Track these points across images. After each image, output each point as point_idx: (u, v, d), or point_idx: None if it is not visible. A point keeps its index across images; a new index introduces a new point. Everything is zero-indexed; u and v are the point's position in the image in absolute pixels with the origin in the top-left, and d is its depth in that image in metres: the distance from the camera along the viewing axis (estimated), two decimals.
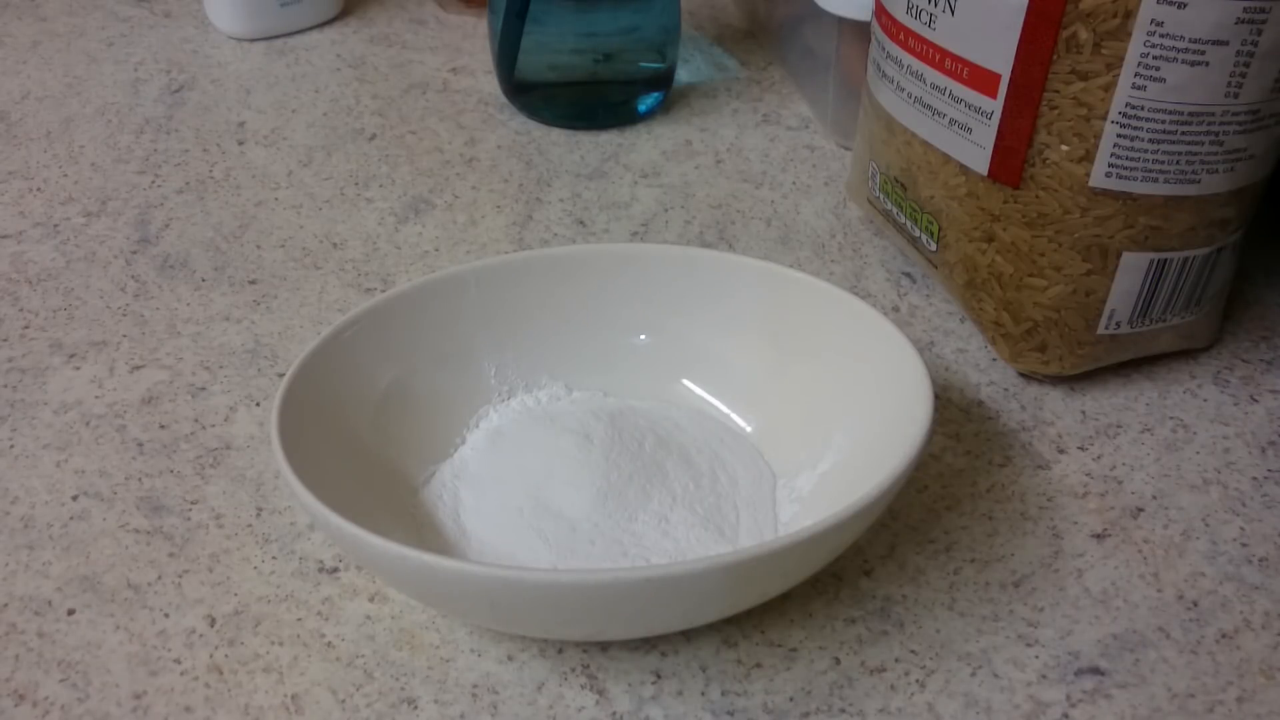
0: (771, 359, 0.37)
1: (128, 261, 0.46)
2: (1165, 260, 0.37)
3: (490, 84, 0.58)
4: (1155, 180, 0.35)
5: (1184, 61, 0.33)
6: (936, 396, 0.33)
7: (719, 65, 0.60)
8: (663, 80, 0.55)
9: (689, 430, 0.36)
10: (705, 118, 0.55)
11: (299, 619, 0.32)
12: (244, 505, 0.36)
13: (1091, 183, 0.36)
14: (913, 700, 0.30)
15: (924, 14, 0.38)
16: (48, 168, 0.51)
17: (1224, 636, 0.32)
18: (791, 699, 0.30)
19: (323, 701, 0.30)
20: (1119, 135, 0.34)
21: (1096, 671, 0.31)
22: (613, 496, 0.33)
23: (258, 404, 0.39)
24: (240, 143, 0.53)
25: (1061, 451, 0.38)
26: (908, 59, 0.39)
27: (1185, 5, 0.32)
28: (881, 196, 0.44)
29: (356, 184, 0.50)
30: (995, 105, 0.36)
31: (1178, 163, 0.35)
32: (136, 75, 0.58)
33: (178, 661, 0.31)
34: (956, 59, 0.37)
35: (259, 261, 0.46)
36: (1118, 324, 0.38)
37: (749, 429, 0.37)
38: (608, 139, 0.54)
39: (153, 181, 0.50)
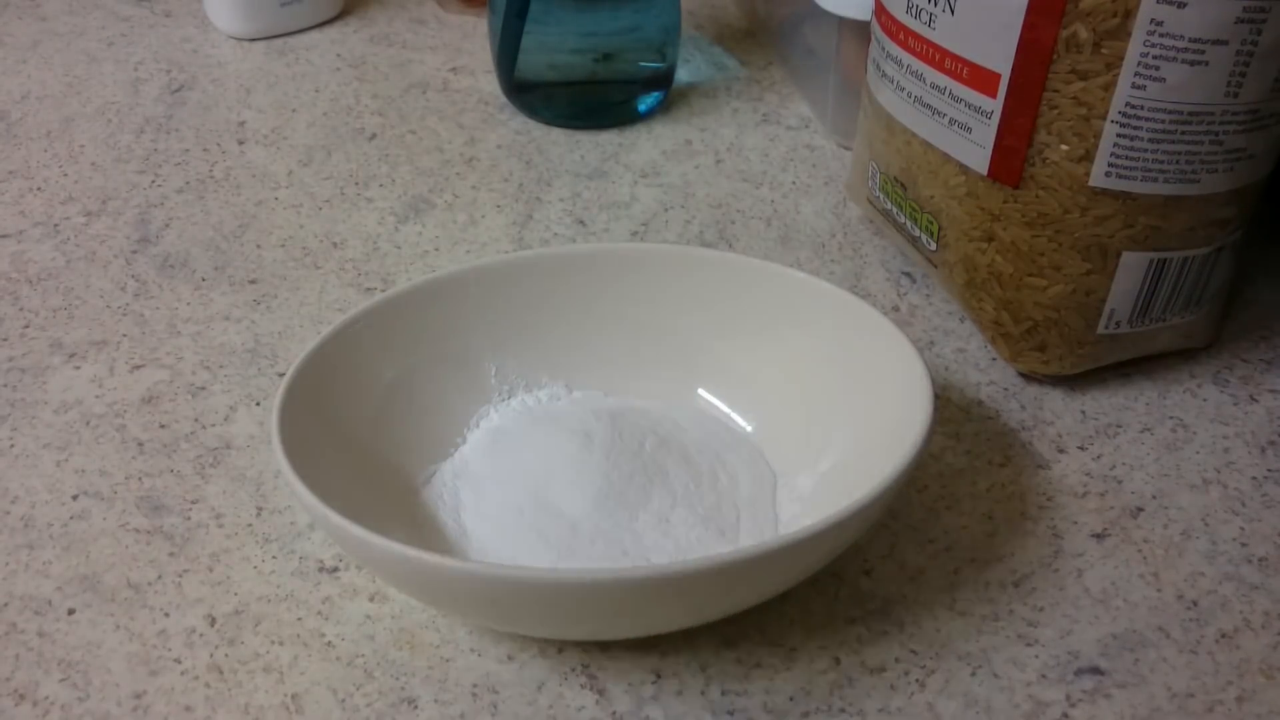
0: (772, 359, 0.37)
1: (128, 261, 0.46)
2: (1165, 260, 0.37)
3: (490, 84, 0.58)
4: (1155, 180, 0.35)
5: (1184, 61, 0.33)
6: (936, 396, 0.33)
7: (719, 65, 0.60)
8: (663, 80, 0.55)
9: (689, 430, 0.36)
10: (705, 117, 0.55)
11: (299, 619, 0.32)
12: (244, 505, 0.36)
13: (1091, 182, 0.36)
14: (913, 700, 0.30)
15: (924, 13, 0.38)
16: (48, 167, 0.51)
17: (1224, 636, 0.32)
18: (791, 699, 0.30)
19: (323, 701, 0.30)
20: (1119, 135, 0.34)
21: (1096, 671, 0.31)
22: (613, 496, 0.33)
23: (258, 404, 0.39)
24: (240, 142, 0.53)
25: (1061, 451, 0.38)
26: (908, 58, 0.39)
27: (1185, 5, 0.32)
28: (881, 196, 0.44)
29: (356, 184, 0.50)
30: (995, 105, 0.36)
31: (1177, 162, 0.35)
32: (136, 75, 0.58)
33: (178, 661, 0.31)
34: (956, 58, 0.37)
35: (259, 261, 0.46)
36: (1117, 323, 0.38)
37: (749, 429, 0.37)
38: (608, 139, 0.54)
39: (153, 181, 0.50)
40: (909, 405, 0.32)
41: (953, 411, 0.39)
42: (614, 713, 0.30)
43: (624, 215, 0.49)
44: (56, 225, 0.48)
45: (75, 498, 0.36)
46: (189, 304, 0.43)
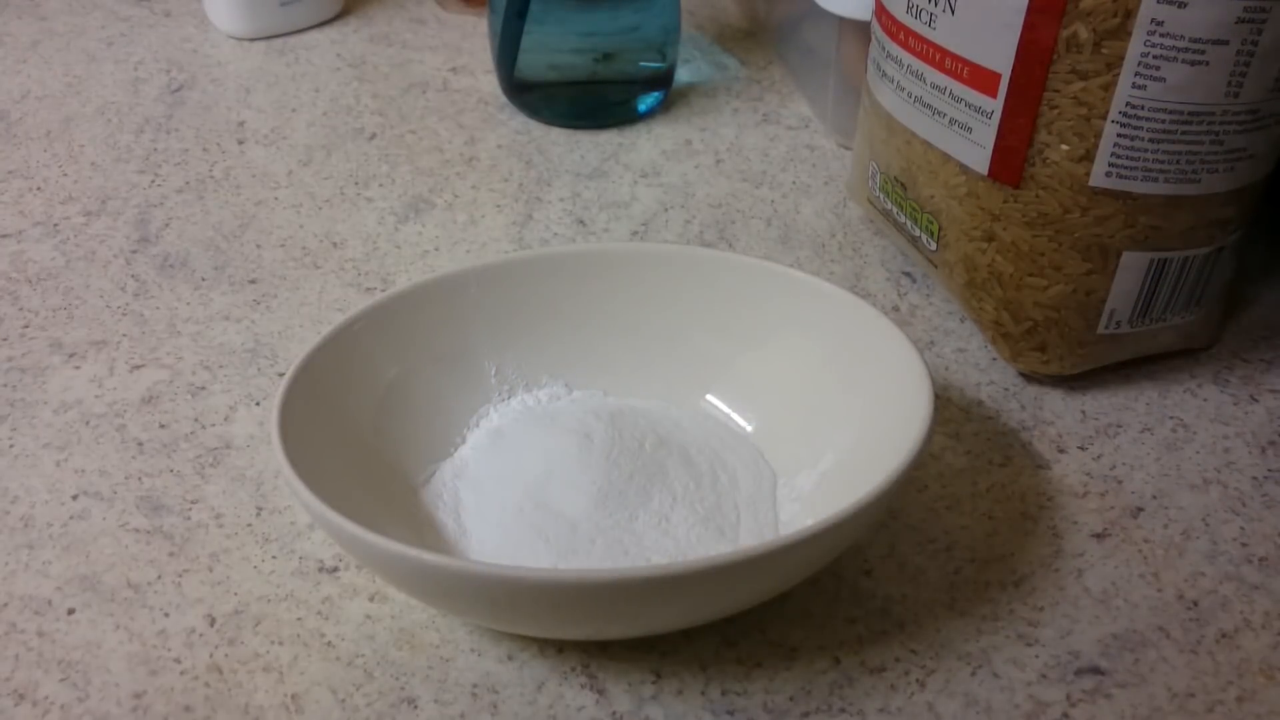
0: (772, 359, 0.37)
1: (128, 261, 0.46)
2: (1165, 260, 0.37)
3: (490, 84, 0.58)
4: (1155, 180, 0.35)
5: (1184, 61, 0.33)
6: (936, 396, 0.33)
7: (719, 65, 0.60)
8: (663, 80, 0.55)
9: (689, 430, 0.36)
10: (705, 117, 0.55)
11: (299, 618, 0.32)
12: (244, 505, 0.36)
13: (1091, 182, 0.36)
14: (913, 700, 0.30)
15: (924, 13, 0.38)
16: (48, 167, 0.51)
17: (1224, 636, 0.32)
18: (791, 699, 0.30)
19: (323, 701, 0.30)
20: (1119, 135, 0.34)
21: (1096, 671, 0.31)
22: (613, 496, 0.33)
23: (258, 403, 0.39)
24: (240, 142, 0.53)
25: (1061, 451, 0.38)
26: (908, 58, 0.39)
27: (1185, 5, 0.32)
28: (881, 196, 0.44)
29: (356, 184, 0.50)
30: (995, 105, 0.36)
31: (1178, 162, 0.35)
32: (136, 75, 0.58)
33: (178, 661, 0.31)
34: (956, 58, 0.37)
35: (259, 261, 0.46)
36: (1118, 323, 0.38)
37: (749, 429, 0.37)
38: (608, 139, 0.54)
39: (153, 181, 0.50)
40: (909, 405, 0.32)
41: (953, 411, 0.39)
42: (614, 713, 0.30)
43: (624, 215, 0.49)
44: (56, 225, 0.48)
45: (75, 498, 0.36)
46: (189, 304, 0.43)
